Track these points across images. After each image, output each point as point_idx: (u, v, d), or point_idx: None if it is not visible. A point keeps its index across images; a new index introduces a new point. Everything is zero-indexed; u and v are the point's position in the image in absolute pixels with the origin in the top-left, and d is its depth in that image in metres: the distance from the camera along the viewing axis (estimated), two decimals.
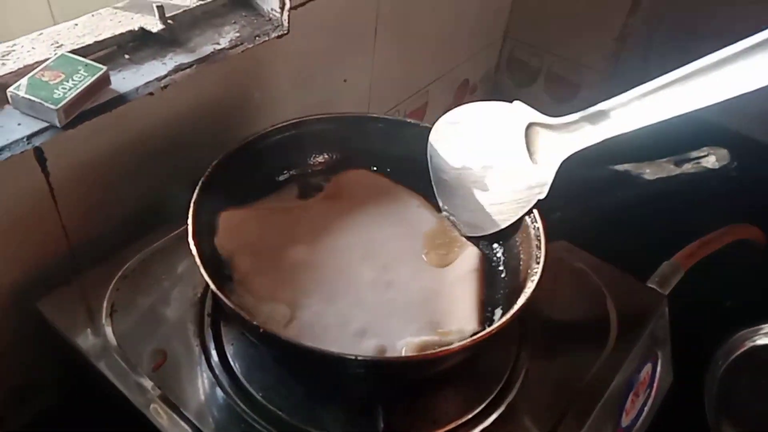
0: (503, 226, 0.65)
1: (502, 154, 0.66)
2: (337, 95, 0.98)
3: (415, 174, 0.73)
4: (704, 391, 0.82)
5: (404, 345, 0.58)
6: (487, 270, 0.67)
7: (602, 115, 0.60)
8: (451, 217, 0.70)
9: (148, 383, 0.59)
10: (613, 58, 1.30)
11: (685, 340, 0.78)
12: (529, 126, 0.64)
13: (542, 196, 0.63)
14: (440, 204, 0.72)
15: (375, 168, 0.76)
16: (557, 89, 1.40)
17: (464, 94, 1.36)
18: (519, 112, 0.65)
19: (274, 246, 0.66)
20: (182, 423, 0.57)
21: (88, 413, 0.75)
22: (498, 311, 0.62)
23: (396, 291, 0.64)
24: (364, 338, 0.59)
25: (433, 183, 0.72)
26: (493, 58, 1.41)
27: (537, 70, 1.40)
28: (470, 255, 0.67)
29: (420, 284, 0.65)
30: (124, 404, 0.59)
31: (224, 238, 0.65)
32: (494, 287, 0.66)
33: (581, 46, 1.32)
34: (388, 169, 0.76)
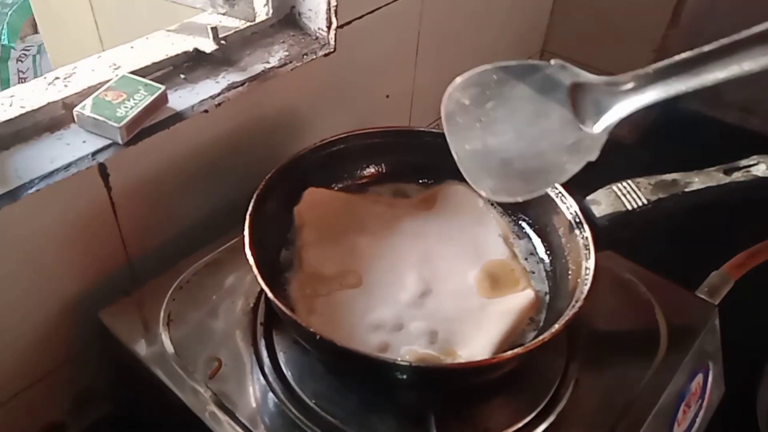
0: (549, 186, 0.64)
1: (542, 117, 0.61)
2: (379, 111, 1.00)
3: None
4: (756, 403, 0.80)
5: (407, 352, 0.59)
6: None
7: (658, 74, 0.55)
8: (479, 188, 0.63)
9: (204, 389, 0.61)
10: None
11: (736, 352, 0.76)
12: (574, 86, 0.59)
13: (593, 158, 0.59)
14: (468, 178, 0.64)
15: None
16: None
17: None
18: (560, 71, 0.60)
19: (342, 228, 0.70)
20: (237, 428, 0.59)
21: (144, 421, 0.77)
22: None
23: (428, 301, 0.64)
24: (374, 333, 0.61)
25: (454, 154, 0.63)
26: None
27: None
28: (522, 296, 0.65)
29: (455, 304, 0.64)
30: (180, 410, 0.61)
31: (304, 209, 0.70)
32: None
33: (620, 59, 1.31)
34: (432, 181, 0.77)
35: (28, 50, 1.87)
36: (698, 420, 0.71)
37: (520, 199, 0.63)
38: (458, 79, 0.63)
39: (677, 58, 0.55)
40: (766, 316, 0.86)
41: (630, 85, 0.57)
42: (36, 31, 1.82)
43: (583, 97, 0.59)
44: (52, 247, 0.65)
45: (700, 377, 0.69)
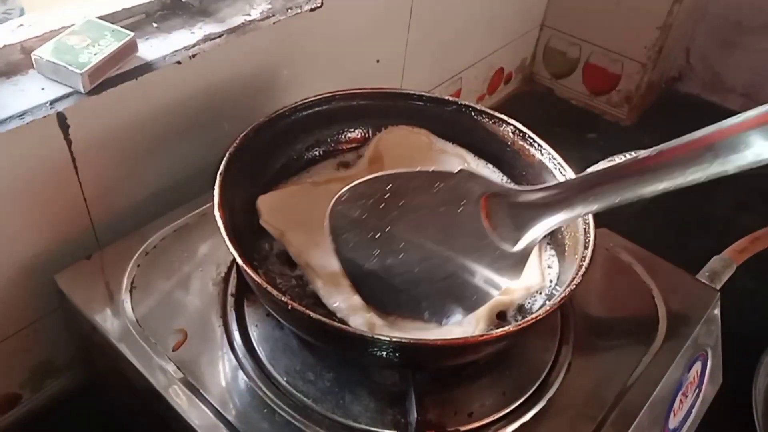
0: (468, 313, 0.54)
1: (452, 232, 0.54)
2: (368, 76, 0.94)
3: None
4: (753, 393, 0.77)
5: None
6: None
7: (586, 185, 0.50)
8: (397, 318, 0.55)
9: (168, 365, 0.56)
10: (656, 48, 1.25)
11: (733, 340, 0.73)
12: (487, 198, 0.54)
13: (515, 279, 0.53)
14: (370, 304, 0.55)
15: None
16: (596, 80, 1.35)
17: (499, 83, 1.32)
18: (468, 181, 0.54)
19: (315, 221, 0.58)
20: (203, 407, 0.54)
21: (106, 394, 0.73)
22: (539, 299, 0.58)
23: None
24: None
25: (347, 276, 0.56)
26: (530, 47, 1.37)
27: (575, 60, 1.35)
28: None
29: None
30: (141, 383, 0.56)
31: (271, 218, 0.61)
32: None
33: (623, 35, 1.27)
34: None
35: (9, 13, 1.80)
36: (694, 410, 0.67)
37: (428, 333, 0.54)
38: (345, 190, 0.55)
39: (609, 167, 0.50)
40: (763, 304, 0.83)
41: (554, 198, 0.51)
42: None
43: (499, 209, 0.53)
44: (5, 202, 0.59)
45: (698, 366, 0.66)
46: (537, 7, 1.31)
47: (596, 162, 0.66)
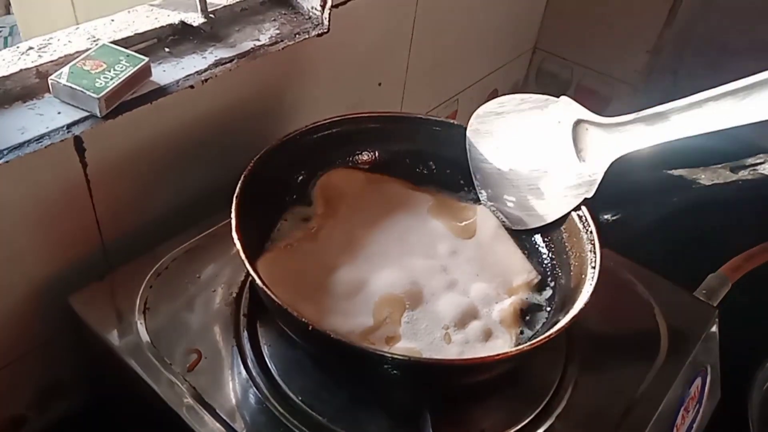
0: (548, 221, 0.64)
1: (548, 149, 0.65)
2: (370, 99, 0.96)
3: (457, 172, 0.72)
4: (748, 409, 0.78)
5: (498, 313, 0.60)
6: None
7: (659, 117, 0.58)
8: (493, 208, 0.69)
9: (181, 382, 0.57)
10: (646, 71, 1.28)
11: (728, 355, 0.75)
12: (578, 123, 0.63)
13: (589, 195, 0.61)
14: (481, 195, 0.70)
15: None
16: (587, 102, 1.38)
17: None
18: (566, 108, 0.64)
19: (313, 275, 0.63)
20: (216, 424, 0.55)
21: (114, 417, 0.73)
22: (541, 316, 0.60)
23: (453, 274, 0.64)
24: (466, 325, 0.59)
25: (472, 173, 0.70)
26: (523, 69, 1.40)
27: (567, 82, 1.38)
28: (484, 214, 0.70)
29: (467, 257, 0.66)
30: (155, 404, 0.57)
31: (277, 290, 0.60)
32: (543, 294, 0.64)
33: (614, 58, 1.30)
34: (425, 170, 0.74)
35: (0, 30, 1.79)
36: (695, 425, 0.69)
37: (519, 227, 0.67)
38: (482, 107, 0.71)
39: (683, 101, 0.57)
40: (758, 320, 0.85)
41: (631, 126, 0.60)
42: (9, 12, 1.75)
43: (585, 134, 0.63)
44: (20, 224, 0.60)
45: (698, 381, 0.67)
46: (530, 31, 1.34)
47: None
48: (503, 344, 0.58)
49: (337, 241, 0.66)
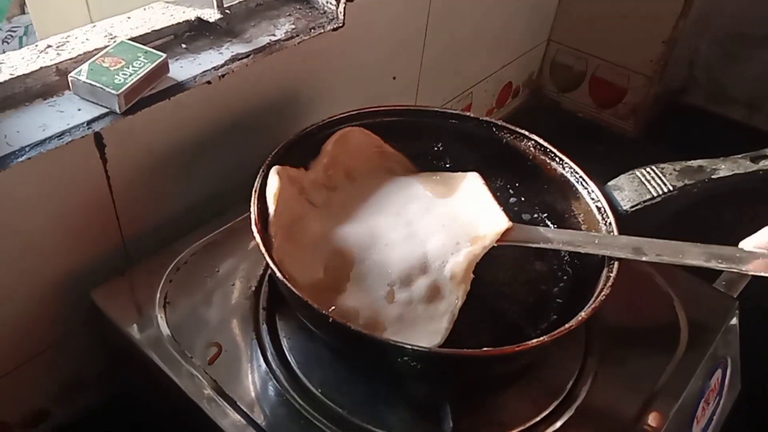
0: None
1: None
2: (384, 92, 0.96)
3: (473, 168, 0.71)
4: None
5: (451, 267, 0.57)
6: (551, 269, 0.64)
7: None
8: None
9: (202, 375, 0.58)
10: (661, 61, 1.27)
11: (750, 347, 0.74)
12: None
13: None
14: None
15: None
16: (602, 93, 1.38)
17: (507, 97, 1.34)
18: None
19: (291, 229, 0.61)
20: (237, 416, 0.55)
21: (135, 409, 0.74)
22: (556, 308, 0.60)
23: (417, 227, 0.62)
24: (412, 283, 0.57)
25: None
26: (537, 61, 1.39)
27: (581, 74, 1.38)
28: (472, 177, 0.67)
29: (437, 213, 0.63)
30: (176, 397, 0.57)
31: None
32: (559, 283, 0.63)
33: (629, 49, 1.29)
34: (441, 163, 0.74)
35: (14, 31, 1.80)
36: (715, 417, 0.69)
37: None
38: None
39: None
40: None
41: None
42: (23, 12, 1.76)
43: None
44: (42, 220, 0.61)
45: (719, 373, 0.67)
46: (544, 23, 1.34)
47: (606, 174, 0.68)
48: (446, 308, 0.56)
49: (324, 201, 0.65)
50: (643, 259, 0.56)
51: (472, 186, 0.67)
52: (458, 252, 0.59)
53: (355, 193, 0.67)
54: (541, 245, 0.59)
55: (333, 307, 0.55)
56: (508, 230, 0.60)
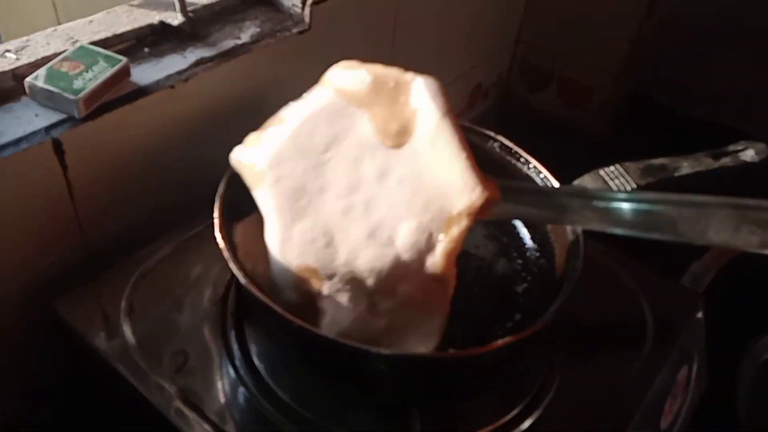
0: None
1: None
2: None
3: None
4: (737, 395, 0.79)
5: (431, 267, 0.51)
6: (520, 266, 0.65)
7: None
8: None
9: (168, 385, 0.57)
10: (628, 60, 1.29)
11: (716, 342, 0.75)
12: None
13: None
14: None
15: None
16: (571, 93, 1.39)
17: (476, 98, 1.34)
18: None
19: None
20: (205, 425, 0.55)
21: (99, 419, 0.72)
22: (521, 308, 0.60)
23: (377, 212, 0.53)
24: (393, 290, 0.52)
25: None
26: (506, 62, 1.40)
27: (550, 74, 1.39)
28: (423, 100, 0.52)
29: (397, 180, 0.53)
30: (143, 407, 0.56)
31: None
32: (523, 283, 0.64)
33: (596, 49, 1.31)
34: None
35: None
36: (683, 413, 0.70)
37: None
38: None
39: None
40: (744, 306, 0.86)
41: None
42: None
43: None
44: (0, 229, 0.59)
45: (685, 369, 0.68)
46: (512, 23, 1.35)
47: (575, 173, 0.68)
48: (435, 307, 0.52)
49: None
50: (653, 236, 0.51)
51: (429, 115, 0.52)
52: (433, 251, 0.51)
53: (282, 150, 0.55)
54: (530, 219, 0.55)
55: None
56: (483, 204, 0.50)
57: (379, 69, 0.56)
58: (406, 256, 0.52)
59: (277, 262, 0.54)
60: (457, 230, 0.51)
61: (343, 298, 0.52)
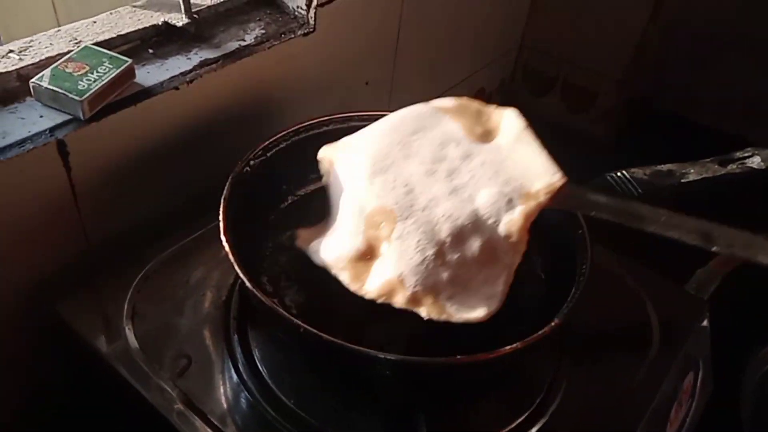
0: None
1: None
2: (357, 98, 0.96)
3: None
4: (740, 402, 0.79)
5: (505, 226, 0.53)
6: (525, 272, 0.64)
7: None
8: None
9: (171, 388, 0.56)
10: (632, 65, 1.29)
11: (720, 349, 0.75)
12: None
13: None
14: None
15: None
16: (574, 98, 1.39)
17: None
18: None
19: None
20: (208, 429, 0.54)
21: (100, 420, 0.72)
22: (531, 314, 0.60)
23: (460, 179, 0.55)
24: (464, 242, 0.53)
25: None
26: (509, 66, 1.40)
27: (553, 78, 1.39)
28: (511, 115, 0.59)
29: (480, 161, 0.56)
30: (144, 410, 0.56)
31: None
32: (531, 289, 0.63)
33: (600, 54, 1.31)
34: None
35: None
36: (688, 419, 0.69)
37: None
38: None
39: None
40: (749, 313, 0.85)
41: None
42: None
43: None
44: (3, 231, 0.59)
45: (691, 375, 0.68)
46: (516, 28, 1.35)
47: (578, 178, 0.68)
48: (501, 269, 0.53)
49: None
50: (713, 249, 0.52)
51: (512, 126, 0.59)
52: (512, 210, 0.54)
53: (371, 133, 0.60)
54: (595, 214, 0.55)
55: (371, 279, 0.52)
56: (561, 188, 0.54)
57: (463, 99, 0.63)
58: (484, 211, 0.54)
59: (351, 207, 0.55)
60: (534, 202, 0.54)
61: (412, 241, 0.52)
